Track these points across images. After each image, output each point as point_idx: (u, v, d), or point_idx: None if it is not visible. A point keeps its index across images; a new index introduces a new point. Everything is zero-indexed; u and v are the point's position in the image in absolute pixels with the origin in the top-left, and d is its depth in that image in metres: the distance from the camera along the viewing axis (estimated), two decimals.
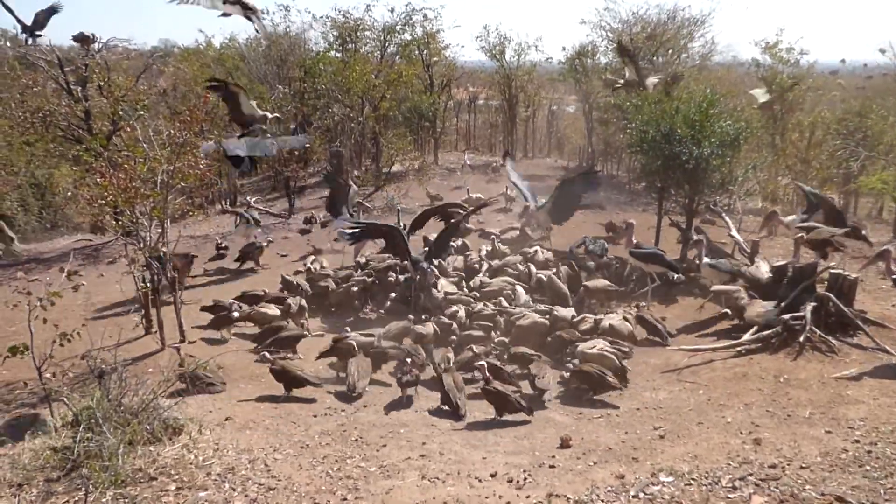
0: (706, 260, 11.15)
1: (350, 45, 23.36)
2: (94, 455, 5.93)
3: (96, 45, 16.48)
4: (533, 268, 11.89)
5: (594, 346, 9.04)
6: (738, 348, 9.30)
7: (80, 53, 16.11)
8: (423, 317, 10.61)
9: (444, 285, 11.72)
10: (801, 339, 8.95)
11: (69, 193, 16.23)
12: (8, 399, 8.32)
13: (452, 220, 12.38)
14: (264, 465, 6.44)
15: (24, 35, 15.78)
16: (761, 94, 18.95)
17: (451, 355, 9.48)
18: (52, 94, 15.88)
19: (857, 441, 6.52)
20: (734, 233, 12.59)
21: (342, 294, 11.74)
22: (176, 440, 6.68)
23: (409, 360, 8.81)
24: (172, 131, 9.87)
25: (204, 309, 10.35)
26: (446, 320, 10.46)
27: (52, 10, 15.64)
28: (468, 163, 19.27)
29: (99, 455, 5.92)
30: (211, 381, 8.53)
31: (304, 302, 11.06)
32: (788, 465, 6.10)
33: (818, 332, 9.08)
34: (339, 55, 23.23)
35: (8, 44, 15.53)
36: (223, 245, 14.26)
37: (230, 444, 6.81)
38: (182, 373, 8.30)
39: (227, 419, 7.52)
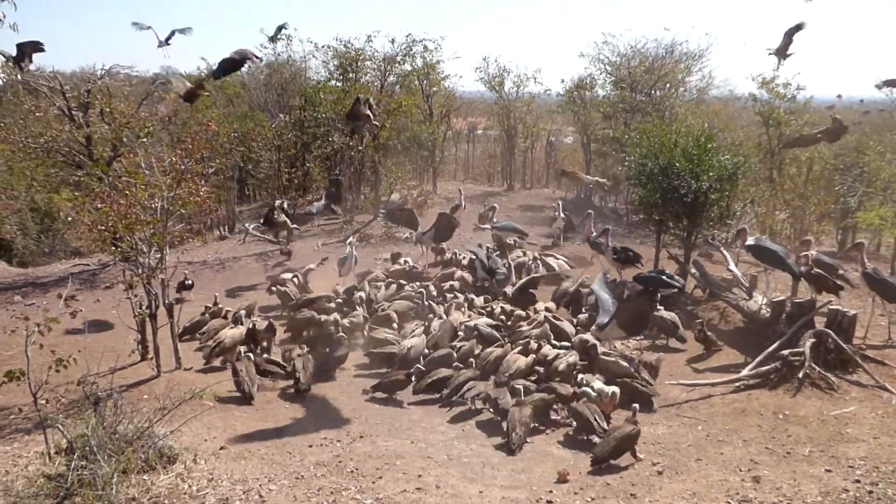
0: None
1: (351, 75, 23.52)
2: (87, 483, 5.87)
3: (99, 72, 16.61)
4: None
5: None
6: (737, 384, 9.27)
7: (84, 78, 16.23)
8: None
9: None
10: (801, 375, 8.94)
11: (69, 218, 16.26)
12: (2, 424, 8.23)
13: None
14: (259, 495, 6.38)
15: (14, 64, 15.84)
16: None
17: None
18: (53, 120, 15.97)
19: (858, 481, 6.48)
20: (732, 267, 12.60)
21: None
22: (170, 469, 6.63)
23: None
24: (174, 158, 9.91)
25: None
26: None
27: (37, 46, 15.65)
28: (463, 202, 18.69)
29: (93, 483, 5.86)
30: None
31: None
32: None
33: (817, 368, 9.07)
34: (339, 84, 23.40)
35: (10, 70, 15.60)
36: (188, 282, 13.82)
37: (224, 473, 6.76)
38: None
39: (221, 448, 7.46)
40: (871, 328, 10.63)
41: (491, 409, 8.69)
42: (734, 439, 7.81)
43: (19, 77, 15.75)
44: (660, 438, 8.06)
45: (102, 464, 6.00)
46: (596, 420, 7.93)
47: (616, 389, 8.54)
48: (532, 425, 8.14)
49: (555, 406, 8.66)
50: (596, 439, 7.86)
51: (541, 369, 9.66)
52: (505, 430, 8.02)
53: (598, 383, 8.66)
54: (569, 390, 8.84)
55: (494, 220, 16.78)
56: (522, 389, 8.46)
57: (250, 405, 9.03)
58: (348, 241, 14.83)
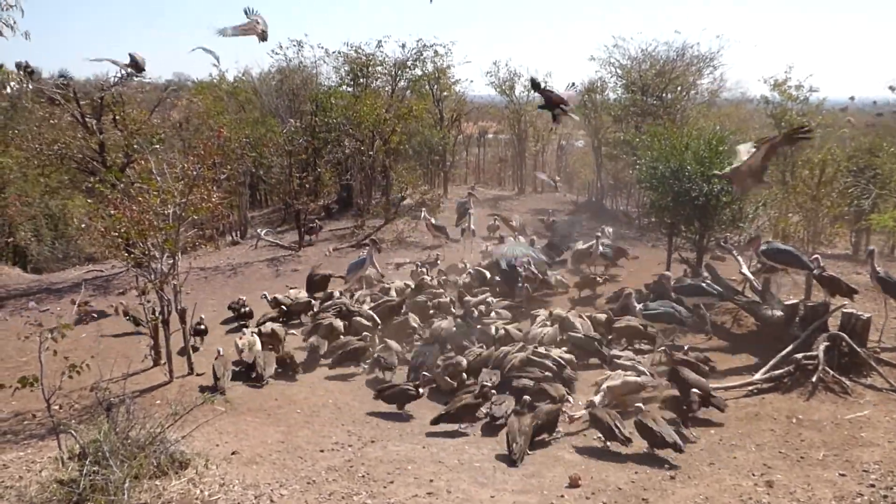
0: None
1: (361, 80, 23.63)
2: (100, 489, 5.91)
3: (111, 80, 16.75)
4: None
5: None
6: (750, 387, 9.21)
7: (97, 86, 16.39)
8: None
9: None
10: (814, 379, 8.86)
11: (83, 225, 16.41)
12: (16, 430, 8.30)
13: None
14: (270, 500, 6.40)
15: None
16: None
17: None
18: (67, 127, 16.11)
19: (873, 485, 6.42)
20: (745, 270, 12.50)
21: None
22: (182, 474, 6.66)
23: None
24: (186, 165, 9.97)
25: None
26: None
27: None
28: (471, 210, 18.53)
29: (105, 489, 5.89)
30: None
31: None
32: None
33: (831, 371, 8.99)
34: (350, 89, 23.50)
35: (22, 79, 15.78)
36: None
37: (236, 478, 6.78)
38: None
39: (233, 453, 7.49)
40: (886, 331, 10.53)
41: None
42: (747, 443, 7.75)
43: (30, 85, 15.93)
44: None
45: (115, 469, 6.03)
46: (617, 427, 7.76)
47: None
48: (535, 436, 7.99)
49: (564, 410, 8.60)
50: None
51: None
52: (506, 439, 7.85)
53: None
54: (560, 391, 8.96)
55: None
56: (526, 401, 8.32)
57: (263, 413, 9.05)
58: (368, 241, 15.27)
